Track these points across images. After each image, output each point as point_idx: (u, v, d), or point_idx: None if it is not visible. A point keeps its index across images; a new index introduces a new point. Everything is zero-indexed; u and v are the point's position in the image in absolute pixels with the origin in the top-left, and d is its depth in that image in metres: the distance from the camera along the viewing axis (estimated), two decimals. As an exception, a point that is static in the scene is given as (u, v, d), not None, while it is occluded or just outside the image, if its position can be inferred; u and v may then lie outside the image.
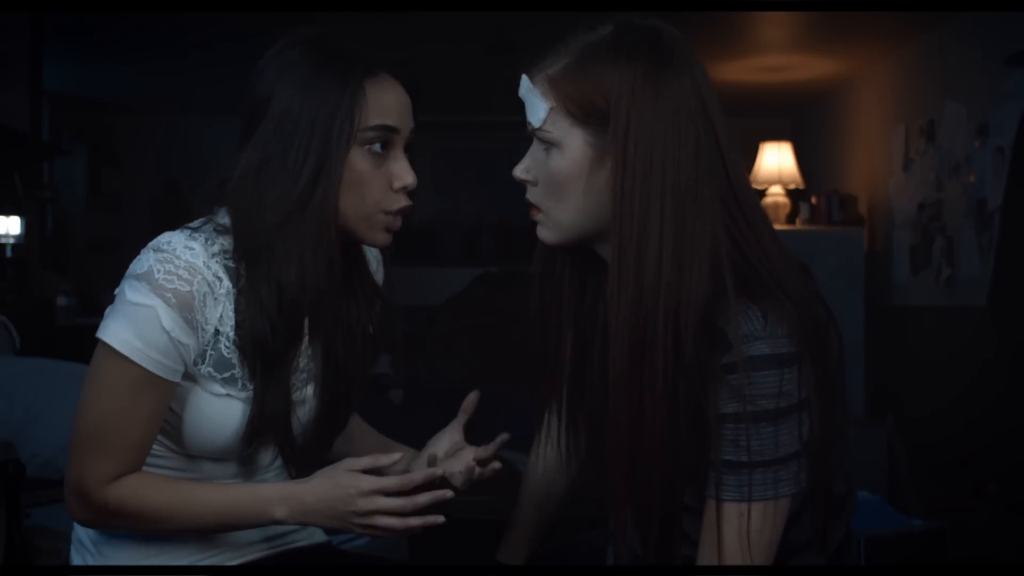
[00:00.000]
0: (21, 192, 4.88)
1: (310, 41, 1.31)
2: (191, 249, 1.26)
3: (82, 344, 1.48)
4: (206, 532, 1.34)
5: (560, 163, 1.24)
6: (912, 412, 5.05)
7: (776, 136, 6.13)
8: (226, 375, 1.29)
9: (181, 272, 1.24)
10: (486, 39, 4.97)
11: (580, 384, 1.38)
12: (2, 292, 4.73)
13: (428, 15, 4.68)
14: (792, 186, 5.90)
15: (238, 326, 1.28)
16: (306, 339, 1.35)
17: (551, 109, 1.23)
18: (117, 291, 1.26)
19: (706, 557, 1.19)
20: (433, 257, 7.21)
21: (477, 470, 1.42)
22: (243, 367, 1.29)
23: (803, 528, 1.26)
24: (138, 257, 1.26)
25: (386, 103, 1.30)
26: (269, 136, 1.27)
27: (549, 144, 1.25)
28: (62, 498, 1.31)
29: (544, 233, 1.29)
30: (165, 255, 1.24)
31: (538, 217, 1.29)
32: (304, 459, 1.38)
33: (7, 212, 4.83)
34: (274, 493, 1.27)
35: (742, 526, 1.17)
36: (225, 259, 1.28)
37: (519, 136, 1.28)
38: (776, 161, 5.91)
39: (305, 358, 1.37)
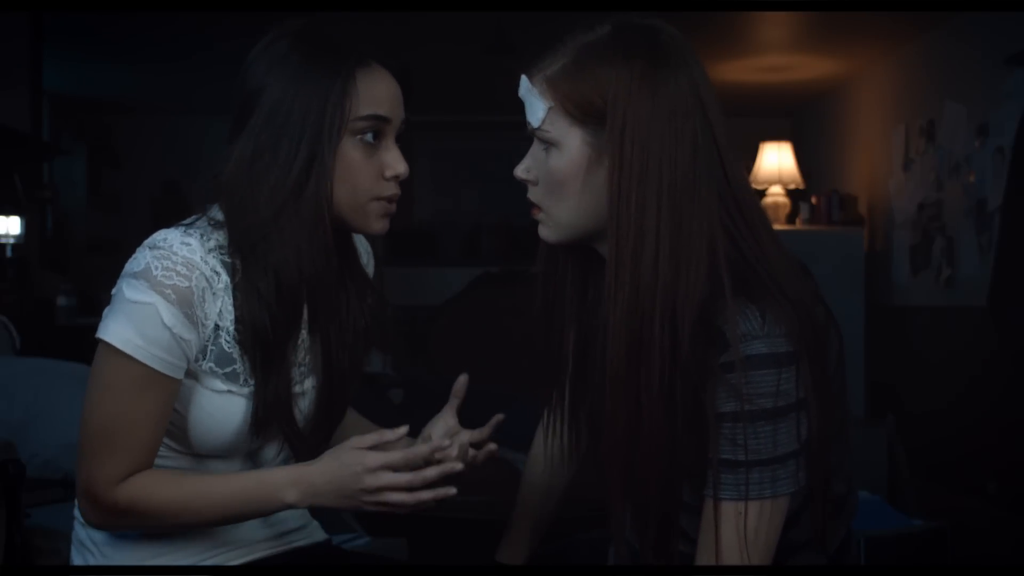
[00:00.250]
0: (21, 192, 4.87)
1: (300, 33, 1.31)
2: (187, 245, 1.26)
3: (82, 344, 1.48)
4: (216, 525, 1.34)
5: (559, 163, 1.24)
6: (912, 412, 5.04)
7: (776, 136, 6.13)
8: (227, 370, 1.29)
9: (179, 268, 1.24)
10: (486, 39, 4.97)
11: (582, 381, 1.38)
12: (2, 292, 4.73)
13: (428, 15, 4.68)
14: (792, 186, 5.91)
15: (238, 320, 1.28)
16: (304, 332, 1.35)
17: (550, 109, 1.23)
18: (114, 291, 1.25)
19: (704, 556, 1.19)
20: (433, 257, 7.20)
21: (471, 452, 1.42)
22: (244, 361, 1.29)
23: (803, 528, 1.26)
24: (134, 256, 1.26)
25: (377, 93, 1.30)
26: (261, 128, 1.27)
27: (548, 144, 1.25)
28: (62, 498, 1.31)
29: (545, 232, 1.30)
30: (162, 252, 1.24)
31: (539, 216, 1.30)
32: (309, 451, 1.37)
33: (7, 212, 4.83)
34: (282, 477, 1.26)
35: (740, 525, 1.17)
36: (221, 254, 1.28)
37: (519, 136, 1.29)
38: (776, 161, 5.92)
39: (303, 351, 1.37)
